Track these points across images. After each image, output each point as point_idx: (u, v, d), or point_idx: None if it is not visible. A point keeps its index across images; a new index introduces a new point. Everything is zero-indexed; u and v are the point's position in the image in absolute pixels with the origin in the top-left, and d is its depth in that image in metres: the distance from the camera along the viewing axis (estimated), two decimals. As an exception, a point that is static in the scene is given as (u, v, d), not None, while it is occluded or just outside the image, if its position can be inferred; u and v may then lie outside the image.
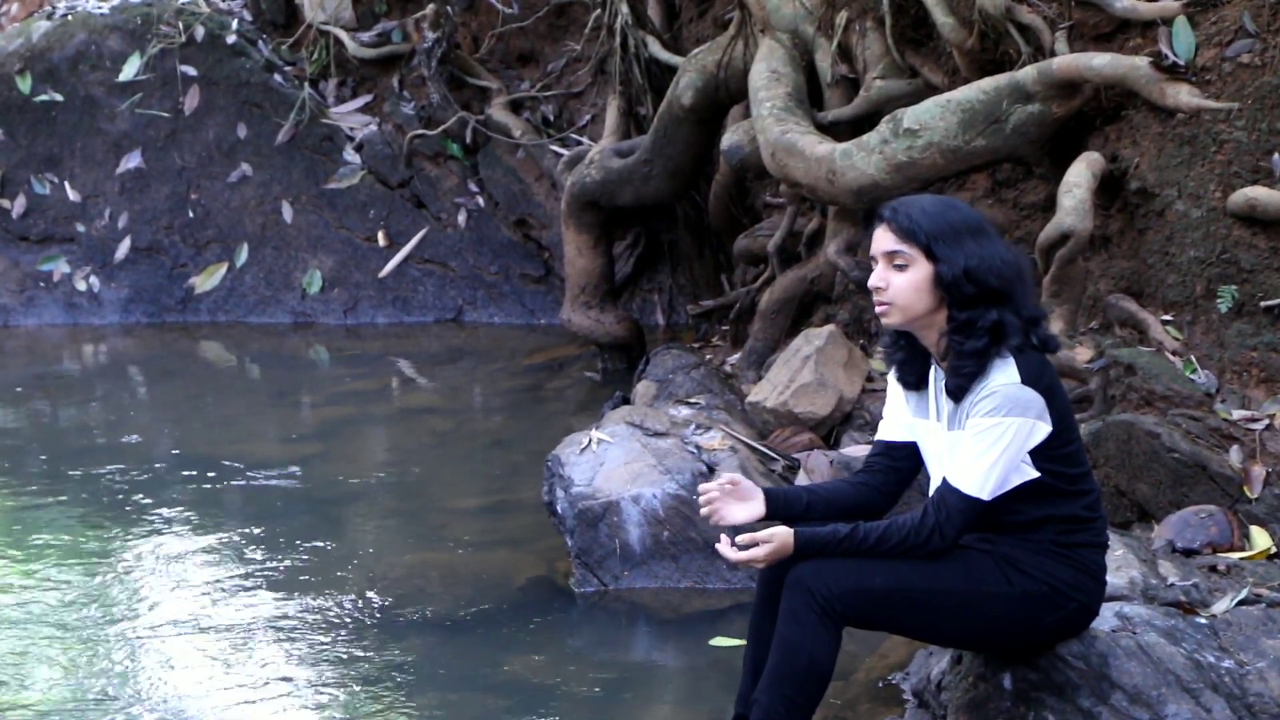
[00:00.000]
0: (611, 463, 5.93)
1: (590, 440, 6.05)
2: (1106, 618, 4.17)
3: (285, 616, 5.66)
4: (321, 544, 6.44)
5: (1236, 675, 4.07)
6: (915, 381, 4.07)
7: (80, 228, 10.73)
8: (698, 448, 6.04)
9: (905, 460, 4.13)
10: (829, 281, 7.41)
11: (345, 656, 5.31)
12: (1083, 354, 5.85)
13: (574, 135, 10.46)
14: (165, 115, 10.63)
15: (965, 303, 3.86)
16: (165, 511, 6.82)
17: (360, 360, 9.76)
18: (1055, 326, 5.80)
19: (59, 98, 10.66)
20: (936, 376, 4.01)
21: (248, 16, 11.08)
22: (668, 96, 8.22)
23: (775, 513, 4.06)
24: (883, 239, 3.92)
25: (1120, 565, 4.63)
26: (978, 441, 3.84)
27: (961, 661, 4.31)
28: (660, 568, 5.79)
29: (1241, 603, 4.46)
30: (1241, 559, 4.97)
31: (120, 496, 7.01)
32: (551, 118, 10.70)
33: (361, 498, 7.07)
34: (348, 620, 5.60)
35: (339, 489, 7.16)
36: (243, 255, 10.66)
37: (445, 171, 10.64)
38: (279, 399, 9.12)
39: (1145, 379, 5.58)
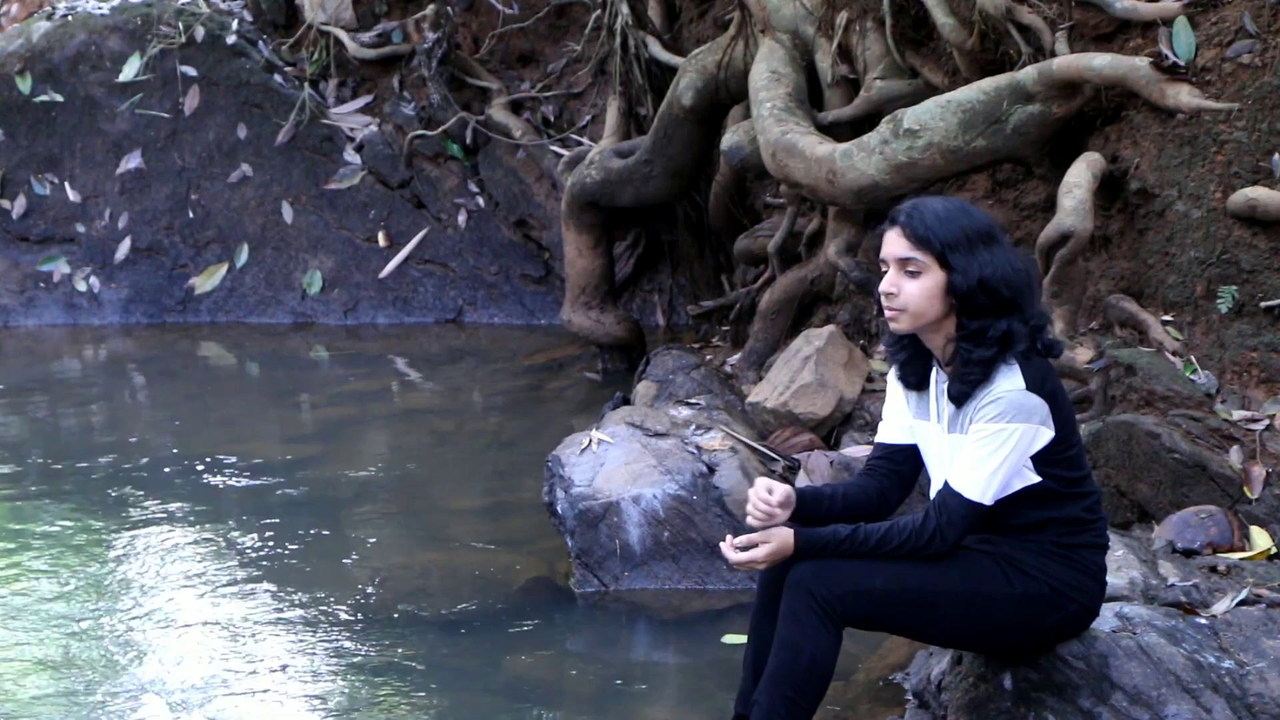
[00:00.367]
0: (612, 463, 5.93)
1: (590, 441, 6.05)
2: (1107, 618, 4.17)
3: (285, 616, 5.66)
4: (321, 544, 6.44)
5: (1236, 676, 4.07)
6: (916, 382, 4.06)
7: (80, 228, 10.73)
8: (698, 448, 6.04)
9: (906, 464, 4.13)
10: (829, 282, 7.40)
11: (345, 656, 5.31)
12: (1083, 354, 5.85)
13: (574, 136, 10.46)
14: (165, 116, 10.64)
15: (976, 312, 3.85)
16: (164, 511, 6.82)
17: (360, 360, 9.76)
18: (1056, 327, 5.80)
19: (59, 98, 10.66)
20: (938, 378, 4.01)
21: (248, 17, 11.08)
22: (668, 97, 8.22)
23: (801, 511, 4.04)
24: (896, 244, 3.89)
25: (1120, 566, 4.63)
26: (981, 447, 3.84)
27: (962, 662, 4.31)
28: (660, 568, 5.79)
29: (1242, 603, 4.46)
30: (1241, 559, 4.97)
31: (120, 497, 7.01)
32: (552, 118, 10.70)
33: (361, 498, 7.07)
34: (347, 620, 5.60)
35: (339, 489, 7.16)
36: (243, 256, 10.66)
37: (445, 172, 10.64)
38: (279, 399, 9.12)
39: (1145, 379, 5.58)
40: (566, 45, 10.78)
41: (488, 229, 10.58)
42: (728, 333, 8.26)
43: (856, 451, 6.17)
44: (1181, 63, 5.87)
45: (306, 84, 10.77)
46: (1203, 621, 4.30)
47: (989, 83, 6.30)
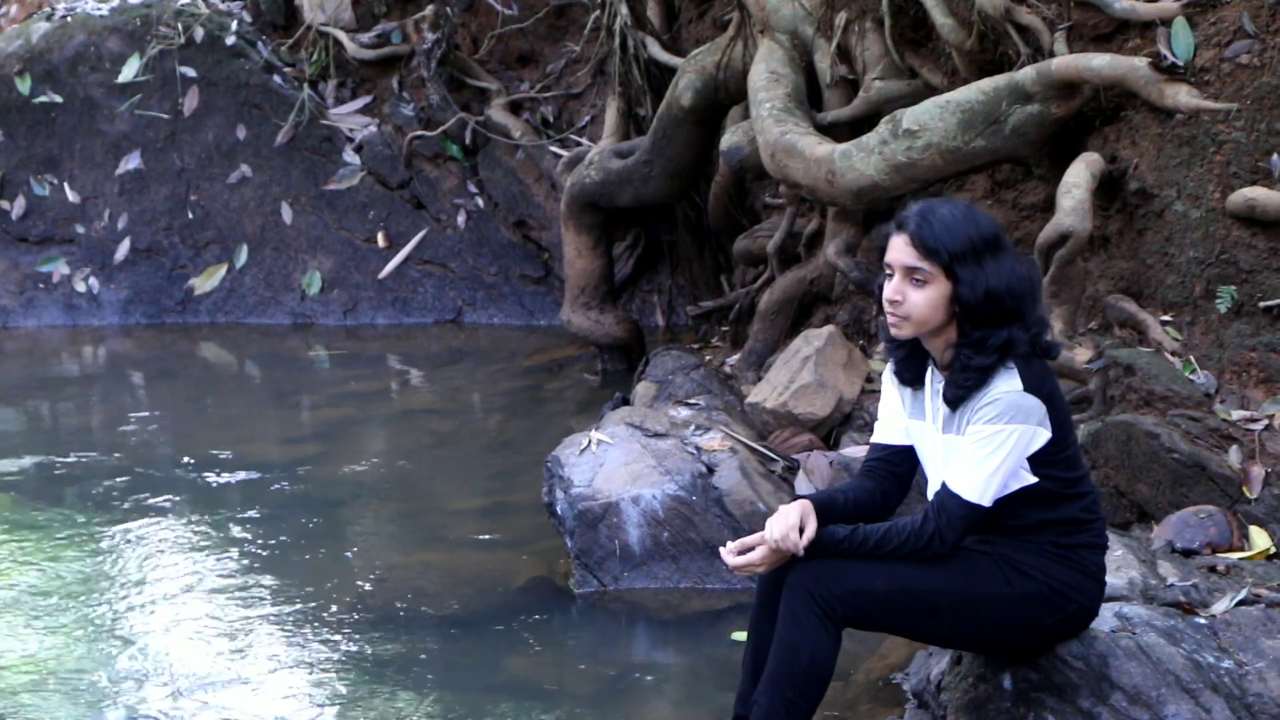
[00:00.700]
0: (611, 464, 5.93)
1: (590, 441, 6.05)
2: (1106, 618, 4.17)
3: (283, 616, 5.66)
4: (321, 544, 6.44)
5: (1236, 676, 4.08)
6: (912, 379, 4.06)
7: (80, 229, 10.73)
8: (697, 449, 6.04)
9: (904, 464, 4.13)
10: (828, 282, 7.41)
11: (344, 656, 5.31)
12: (1082, 354, 5.85)
13: (573, 136, 10.47)
14: (164, 116, 10.64)
15: (980, 322, 3.85)
16: (163, 512, 6.82)
17: (360, 361, 9.76)
18: (1055, 327, 5.80)
19: (58, 99, 10.66)
20: (933, 378, 4.01)
21: (247, 18, 11.08)
22: (667, 97, 8.22)
23: (818, 520, 4.01)
24: (903, 251, 3.86)
25: (1120, 566, 4.63)
26: (979, 448, 3.84)
27: (961, 662, 4.31)
28: (660, 568, 5.79)
29: (1241, 603, 4.46)
30: (1241, 559, 4.97)
31: (118, 497, 7.01)
32: (551, 119, 10.70)
33: (361, 498, 7.07)
34: (347, 620, 5.60)
35: (338, 490, 7.16)
36: (242, 256, 10.66)
37: (445, 172, 10.64)
38: (279, 400, 9.12)
39: (1144, 379, 5.58)
40: (566, 46, 10.79)
41: (487, 229, 10.58)
42: (727, 333, 8.26)
43: (856, 452, 6.17)
44: (1180, 63, 5.87)
45: (306, 84, 10.77)
46: (1202, 621, 4.30)
47: (988, 83, 6.30)
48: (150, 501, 6.96)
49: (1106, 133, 6.18)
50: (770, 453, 6.25)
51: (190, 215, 10.70)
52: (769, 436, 6.56)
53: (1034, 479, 3.90)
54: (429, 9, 10.55)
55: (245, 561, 6.23)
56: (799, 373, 6.70)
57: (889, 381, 4.14)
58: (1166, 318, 5.87)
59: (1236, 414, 5.48)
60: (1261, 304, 5.61)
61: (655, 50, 9.11)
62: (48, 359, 10.07)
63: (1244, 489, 5.24)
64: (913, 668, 4.81)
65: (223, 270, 10.68)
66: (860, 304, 7.19)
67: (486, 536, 6.50)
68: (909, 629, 4.04)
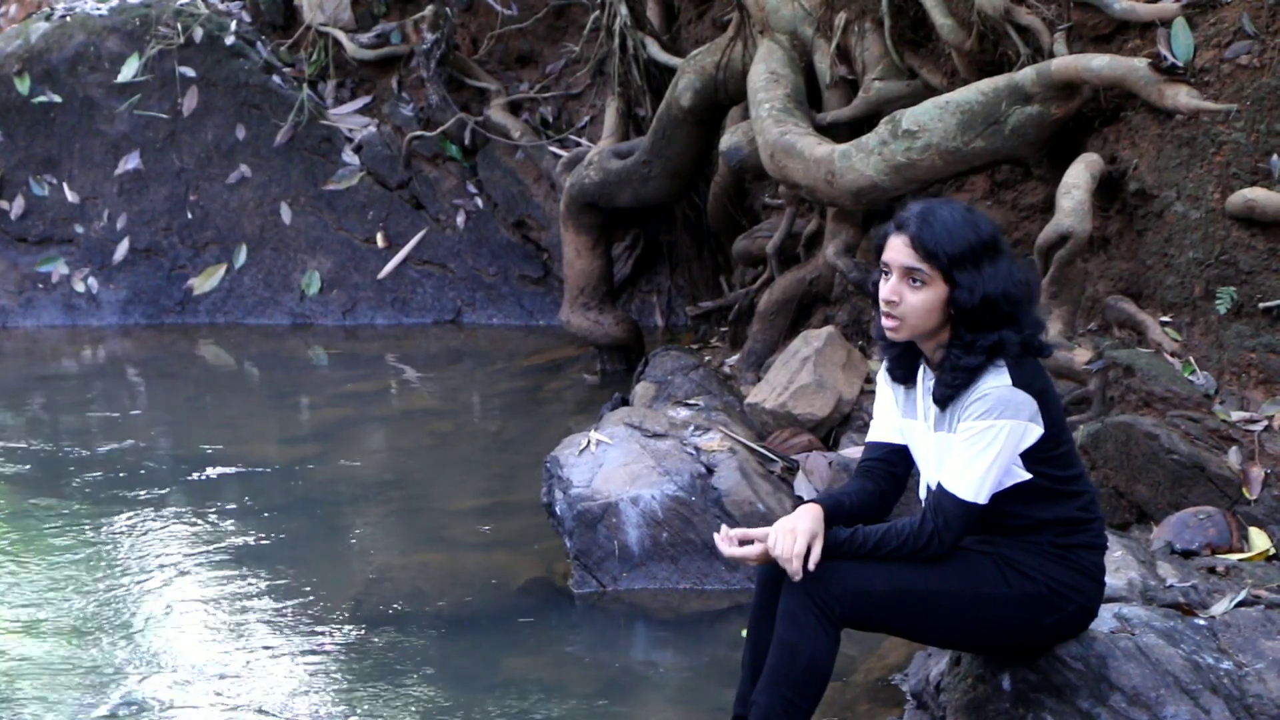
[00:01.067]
0: (610, 464, 5.93)
1: (589, 442, 6.05)
2: (1105, 619, 4.17)
3: (282, 616, 5.66)
4: (320, 544, 6.44)
5: (1235, 677, 4.07)
6: (904, 376, 4.07)
7: (79, 229, 10.73)
8: (696, 449, 6.04)
9: (900, 464, 4.13)
10: (828, 283, 7.40)
11: (344, 656, 5.31)
12: (1081, 355, 5.85)
13: (573, 136, 10.46)
14: (164, 116, 10.63)
15: (975, 325, 3.86)
16: (162, 512, 6.82)
17: (359, 361, 9.76)
18: (1054, 328, 5.80)
19: (57, 99, 10.66)
20: (925, 377, 4.02)
21: (246, 18, 11.07)
22: (666, 98, 8.22)
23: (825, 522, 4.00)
24: (902, 253, 3.87)
25: (1119, 566, 4.63)
26: (971, 445, 3.84)
27: (960, 663, 4.31)
28: (659, 569, 5.79)
29: (1240, 604, 4.46)
30: (1240, 560, 4.97)
31: (117, 497, 7.01)
32: (550, 119, 10.70)
33: (360, 499, 7.07)
34: (346, 620, 5.60)
35: (338, 490, 7.16)
36: (241, 256, 10.66)
37: (444, 173, 10.64)
38: (278, 400, 9.12)
39: (1144, 380, 5.58)
40: (565, 46, 10.78)
41: (486, 230, 10.58)
42: (726, 333, 8.26)
43: (855, 452, 6.17)
44: (1180, 64, 5.87)
45: (305, 85, 10.77)
46: (1201, 622, 4.30)
47: (987, 84, 6.30)
48: (149, 501, 6.95)
49: (1106, 133, 6.18)
50: (769, 453, 6.25)
51: (189, 215, 10.70)
52: (768, 437, 6.56)
53: (1028, 475, 3.90)
54: (428, 9, 10.54)
55: (243, 561, 6.22)
56: (798, 373, 6.70)
57: (883, 380, 4.15)
58: (1166, 318, 5.87)
59: (1236, 415, 5.48)
60: (1261, 305, 5.61)
61: (655, 50, 9.11)
62: (47, 359, 10.07)
63: (1243, 490, 5.24)
64: (912, 668, 4.81)
65: (222, 270, 10.68)
66: (859, 304, 7.19)
67: (485, 537, 6.50)
68: (908, 629, 4.04)
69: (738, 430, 6.39)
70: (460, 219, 10.58)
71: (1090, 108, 6.20)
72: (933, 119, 6.34)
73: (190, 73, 10.61)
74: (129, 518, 6.75)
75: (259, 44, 10.88)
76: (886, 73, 7.13)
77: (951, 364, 3.88)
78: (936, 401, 3.93)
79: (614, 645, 5.54)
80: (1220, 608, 4.44)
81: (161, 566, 6.18)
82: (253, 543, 6.43)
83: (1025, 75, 6.17)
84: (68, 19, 10.77)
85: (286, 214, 10.62)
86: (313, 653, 5.34)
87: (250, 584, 5.98)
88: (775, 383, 6.76)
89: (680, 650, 5.46)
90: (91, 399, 9.18)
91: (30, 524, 6.73)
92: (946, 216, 3.87)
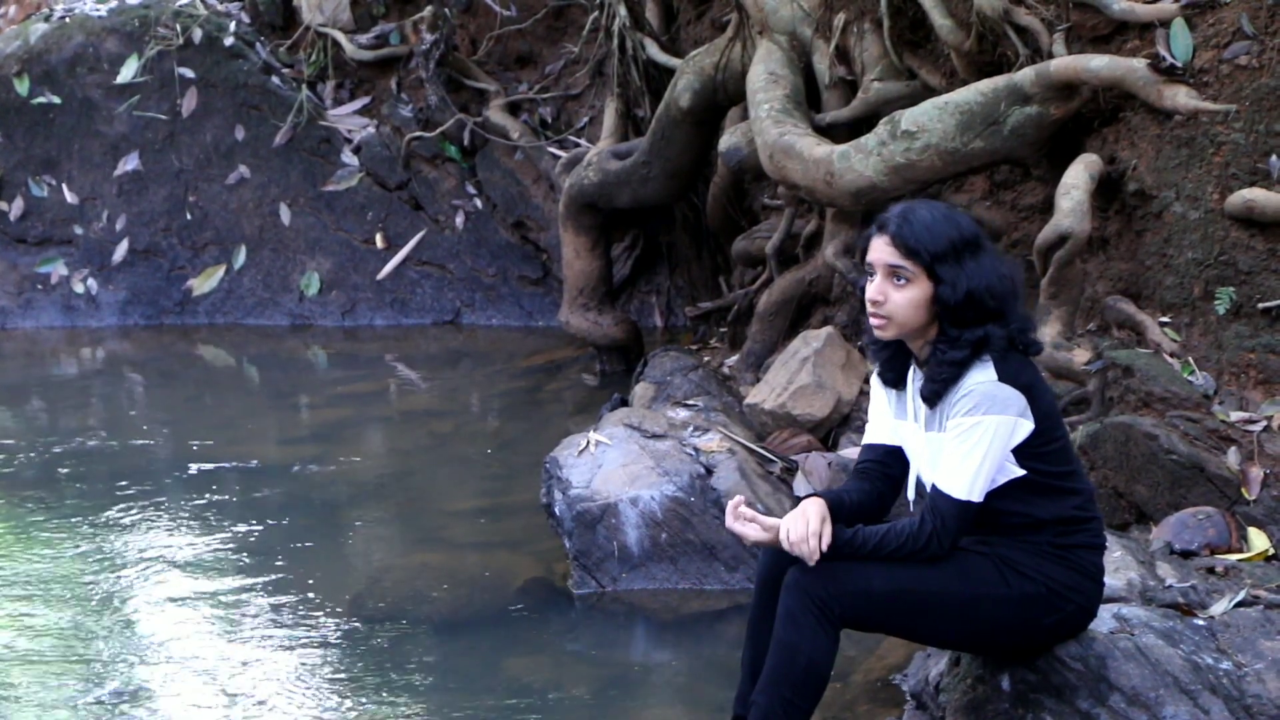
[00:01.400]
0: (609, 465, 5.93)
1: (588, 442, 6.05)
2: (1104, 619, 4.17)
3: (282, 617, 5.66)
4: (319, 545, 6.44)
5: (1234, 677, 4.08)
6: (895, 379, 4.09)
7: (78, 230, 10.73)
8: (696, 450, 6.04)
9: (896, 465, 4.14)
10: (827, 283, 7.41)
11: (342, 657, 5.31)
12: (1080, 356, 5.85)
13: (572, 137, 10.46)
14: (163, 117, 10.63)
15: (960, 321, 3.88)
16: (161, 513, 6.82)
17: (358, 362, 9.76)
18: (1053, 328, 5.81)
19: (57, 100, 10.66)
20: (914, 377, 4.04)
21: (245, 18, 11.08)
22: (665, 98, 8.22)
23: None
24: (884, 251, 3.91)
25: (1118, 567, 4.64)
26: (960, 443, 3.85)
27: (960, 663, 4.31)
28: (658, 569, 5.79)
29: (1239, 604, 4.47)
30: (1239, 560, 4.97)
31: (116, 498, 7.01)
32: (549, 120, 10.70)
33: (360, 499, 7.07)
34: (345, 621, 5.60)
35: (337, 491, 7.16)
36: (240, 257, 10.66)
37: (443, 173, 10.64)
38: (277, 401, 9.12)
39: (1143, 381, 5.58)
40: (564, 47, 10.79)
41: (485, 230, 10.58)
42: (725, 334, 8.26)
43: (854, 453, 6.17)
44: (1179, 64, 5.87)
45: (304, 85, 10.77)
46: (1200, 623, 4.30)
47: (987, 84, 6.30)
48: (147, 501, 6.95)
49: (1105, 134, 6.18)
50: (769, 454, 6.25)
51: (189, 216, 10.70)
52: (767, 438, 6.57)
53: (1021, 471, 3.91)
54: (427, 10, 10.55)
55: (242, 561, 6.22)
56: (797, 374, 6.70)
57: (876, 383, 4.17)
58: (1165, 319, 5.87)
59: (1235, 415, 5.48)
60: (1260, 305, 5.61)
61: (654, 51, 9.11)
62: (46, 360, 10.07)
63: (1242, 490, 5.24)
64: (911, 669, 4.81)
65: (221, 271, 10.68)
66: (858, 305, 7.18)
67: (485, 537, 6.50)
68: (907, 630, 4.04)
69: (737, 431, 6.39)
70: (459, 220, 10.58)
71: (1089, 108, 6.20)
72: (932, 119, 6.34)
73: (189, 74, 10.61)
74: (128, 517, 6.75)
75: (258, 45, 10.89)
76: (885, 73, 7.13)
77: (937, 359, 3.91)
78: (925, 399, 3.95)
79: (613, 645, 5.54)
80: (1219, 608, 4.44)
81: (161, 566, 6.18)
82: (250, 543, 6.42)
83: (1024, 76, 6.17)
84: (67, 20, 10.78)
85: (285, 215, 10.62)
86: (310, 652, 5.34)
87: (249, 584, 5.98)
88: (774, 383, 6.77)
89: (680, 650, 5.46)
90: (91, 400, 9.18)
91: (29, 523, 6.73)
92: (926, 215, 3.92)
